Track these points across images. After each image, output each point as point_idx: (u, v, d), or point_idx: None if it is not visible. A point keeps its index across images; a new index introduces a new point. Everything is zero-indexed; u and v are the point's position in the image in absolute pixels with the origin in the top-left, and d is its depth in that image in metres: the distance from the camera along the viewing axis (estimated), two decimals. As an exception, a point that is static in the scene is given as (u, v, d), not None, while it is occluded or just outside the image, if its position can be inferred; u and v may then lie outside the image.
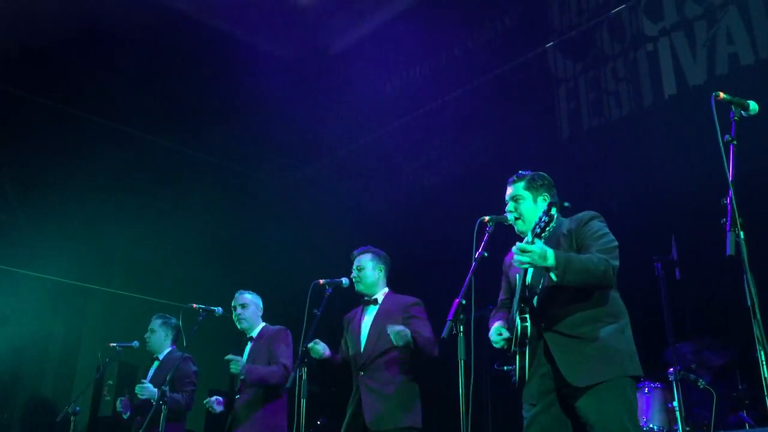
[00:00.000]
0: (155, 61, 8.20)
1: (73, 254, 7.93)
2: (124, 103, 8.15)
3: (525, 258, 2.98)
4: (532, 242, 2.99)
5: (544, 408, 3.19)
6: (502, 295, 3.70)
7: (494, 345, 3.36)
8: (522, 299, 3.25)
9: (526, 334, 3.20)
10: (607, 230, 3.27)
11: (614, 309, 3.22)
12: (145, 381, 5.37)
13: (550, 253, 2.97)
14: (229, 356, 4.84)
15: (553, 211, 2.96)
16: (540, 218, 3.01)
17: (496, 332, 3.35)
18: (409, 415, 4.24)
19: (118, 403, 5.69)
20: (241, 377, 4.85)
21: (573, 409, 3.12)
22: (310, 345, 4.30)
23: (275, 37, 9.28)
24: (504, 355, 3.39)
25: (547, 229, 3.00)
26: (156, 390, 5.25)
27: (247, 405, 4.95)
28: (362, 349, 4.41)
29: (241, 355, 5.05)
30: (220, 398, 5.09)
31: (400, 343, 4.15)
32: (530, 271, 3.28)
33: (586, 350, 3.10)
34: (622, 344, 3.15)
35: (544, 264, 2.99)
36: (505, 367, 3.36)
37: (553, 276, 3.03)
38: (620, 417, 3.02)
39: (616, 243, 3.21)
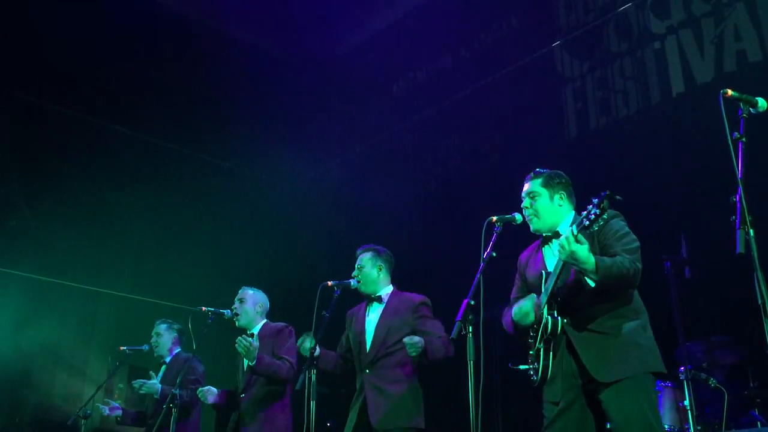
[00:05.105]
0: (163, 66, 8.24)
1: (82, 258, 7.96)
2: (132, 107, 8.18)
3: (565, 253, 2.95)
4: (576, 237, 2.92)
5: (566, 406, 3.18)
6: (515, 293, 3.65)
7: (521, 311, 3.28)
8: (550, 296, 3.21)
9: (556, 329, 3.18)
10: (628, 229, 3.27)
11: (636, 306, 3.25)
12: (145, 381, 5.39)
13: (592, 260, 2.96)
14: (242, 337, 4.69)
15: (605, 203, 2.86)
16: (589, 210, 2.91)
17: (519, 308, 3.28)
18: (413, 415, 4.21)
19: (102, 408, 5.66)
20: (251, 363, 4.72)
21: (597, 404, 3.13)
22: (298, 342, 4.29)
23: (282, 39, 9.30)
24: (518, 354, 3.38)
25: (597, 222, 2.90)
26: (160, 386, 5.31)
27: (253, 404, 4.88)
28: (368, 348, 4.38)
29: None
30: (214, 389, 4.99)
31: (414, 354, 4.11)
32: (554, 267, 3.21)
33: (610, 345, 3.12)
34: (645, 340, 3.18)
35: (582, 267, 2.99)
36: (521, 366, 3.34)
37: (590, 282, 3.04)
38: (643, 412, 3.03)
39: (637, 243, 3.23)
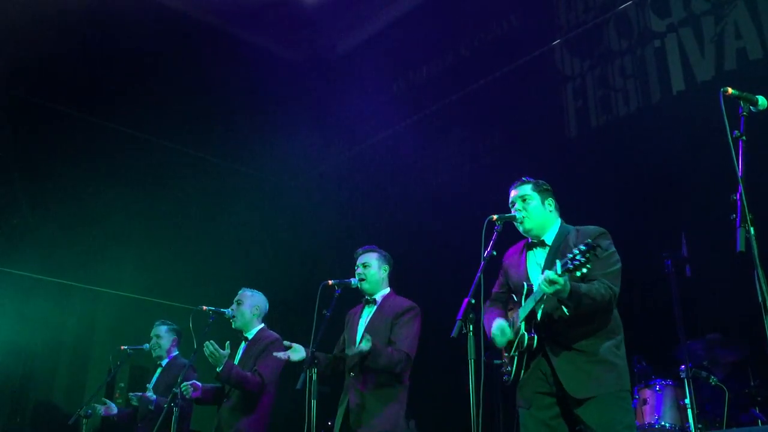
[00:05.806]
0: (164, 66, 8.23)
1: (83, 258, 7.97)
2: (132, 107, 8.18)
3: (551, 289, 3.02)
4: (561, 274, 3.00)
5: (539, 413, 3.28)
6: (497, 289, 3.74)
7: (496, 344, 3.41)
8: (529, 314, 3.28)
9: (532, 345, 3.27)
10: (612, 249, 3.35)
11: (613, 325, 3.33)
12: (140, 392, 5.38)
13: (569, 291, 3.05)
14: (209, 342, 4.62)
15: (590, 254, 2.95)
16: (575, 255, 2.97)
17: (500, 330, 3.39)
18: (392, 421, 4.16)
19: (99, 408, 5.65)
20: (218, 370, 4.67)
21: (572, 415, 3.22)
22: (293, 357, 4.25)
23: (282, 38, 9.31)
24: (496, 348, 3.46)
25: (580, 270, 2.97)
26: (155, 397, 5.24)
27: (230, 410, 4.86)
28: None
29: (234, 356, 4.98)
30: (199, 384, 4.87)
31: (354, 353, 4.13)
32: (536, 292, 3.26)
33: (585, 364, 3.21)
34: (618, 359, 3.27)
35: (561, 297, 3.08)
36: (496, 361, 3.42)
37: (566, 311, 3.14)
38: (620, 426, 3.12)
39: (619, 265, 3.31)
